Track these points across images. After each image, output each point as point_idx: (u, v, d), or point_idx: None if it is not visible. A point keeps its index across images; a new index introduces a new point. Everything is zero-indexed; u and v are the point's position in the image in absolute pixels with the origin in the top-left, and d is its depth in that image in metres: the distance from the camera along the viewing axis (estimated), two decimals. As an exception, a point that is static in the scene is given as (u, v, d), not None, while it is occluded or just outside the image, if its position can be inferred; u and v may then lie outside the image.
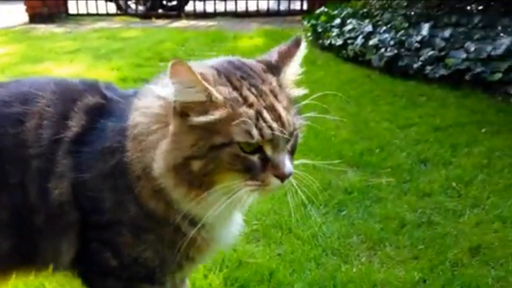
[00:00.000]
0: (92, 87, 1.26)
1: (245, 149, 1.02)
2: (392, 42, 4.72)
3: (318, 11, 6.87)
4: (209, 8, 9.47)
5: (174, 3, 9.92)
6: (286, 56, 1.15)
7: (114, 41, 6.79)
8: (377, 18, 5.45)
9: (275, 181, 1.06)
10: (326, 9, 6.68)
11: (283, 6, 9.41)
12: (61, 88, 1.25)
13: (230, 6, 9.46)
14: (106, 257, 1.19)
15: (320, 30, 6.12)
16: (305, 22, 6.88)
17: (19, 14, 9.20)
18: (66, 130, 1.17)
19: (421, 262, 1.95)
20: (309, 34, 6.45)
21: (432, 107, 3.72)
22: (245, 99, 1.04)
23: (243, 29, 7.80)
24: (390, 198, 2.42)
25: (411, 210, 2.31)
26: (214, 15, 9.32)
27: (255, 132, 1.01)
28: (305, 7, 9.06)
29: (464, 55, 4.12)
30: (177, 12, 9.54)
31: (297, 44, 1.17)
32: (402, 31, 4.77)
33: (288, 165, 1.06)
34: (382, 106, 3.76)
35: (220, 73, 1.07)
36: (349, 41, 5.31)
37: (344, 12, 6.10)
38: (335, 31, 5.68)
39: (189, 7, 9.81)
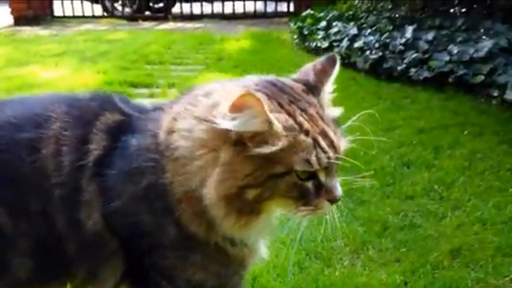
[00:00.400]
0: (107, 103, 1.20)
1: (301, 177, 1.02)
2: (377, 45, 4.77)
3: (304, 14, 6.91)
4: (196, 10, 9.46)
5: (161, 5, 9.90)
6: (323, 75, 1.12)
7: (100, 43, 6.76)
8: (362, 20, 5.51)
9: (327, 205, 1.07)
10: (312, 12, 6.72)
11: (270, 8, 9.43)
12: (74, 108, 1.17)
13: (217, 8, 9.46)
14: (164, 285, 1.15)
15: (306, 32, 6.15)
16: (291, 24, 6.91)
17: (4, 16, 9.11)
18: (88, 155, 1.11)
19: (403, 265, 1.98)
20: (295, 36, 6.49)
21: (416, 109, 3.76)
22: (300, 126, 1.01)
23: (230, 31, 7.82)
24: (373, 201, 2.45)
25: (394, 213, 2.34)
26: (201, 17, 9.31)
27: (314, 160, 1.00)
28: (291, 9, 9.10)
29: (447, 58, 4.17)
30: (164, 14, 9.52)
31: (333, 62, 1.15)
32: (387, 34, 4.83)
33: (339, 188, 1.07)
34: (366, 108, 3.77)
35: (270, 97, 1.03)
36: (334, 44, 5.35)
37: (330, 15, 6.15)
38: (321, 34, 5.72)
39: (176, 9, 9.80)
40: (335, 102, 1.16)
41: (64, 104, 1.18)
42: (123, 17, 9.43)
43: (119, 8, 9.74)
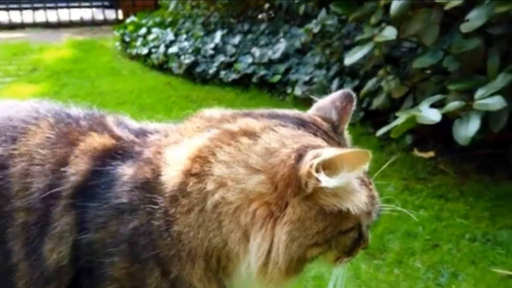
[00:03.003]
0: (98, 123, 1.05)
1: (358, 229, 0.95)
2: (190, 50, 4.93)
3: (128, 21, 6.85)
4: (16, 19, 8.79)
5: (-26, 13, 9.01)
6: (344, 114, 1.05)
7: None
8: (179, 26, 5.64)
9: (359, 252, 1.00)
10: (135, 19, 6.69)
11: (99, 16, 9.16)
12: (62, 123, 1.03)
13: (40, 17, 8.90)
14: None
15: (127, 39, 6.11)
16: (115, 32, 6.80)
17: None
18: (64, 180, 0.95)
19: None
20: (117, 44, 6.41)
21: (221, 110, 3.97)
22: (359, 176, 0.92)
23: (53, 40, 7.41)
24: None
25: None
26: (22, 26, 8.68)
27: (373, 211, 0.94)
28: (121, 16, 8.94)
29: (250, 60, 4.48)
30: (-22, 24, 8.67)
31: (350, 99, 1.08)
32: (200, 39, 5.02)
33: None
34: (174, 111, 3.90)
35: (324, 141, 0.95)
36: (153, 50, 5.40)
37: (150, 22, 6.19)
38: (140, 41, 5.73)
39: (-8, 18, 8.99)
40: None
41: (53, 117, 1.04)
42: None
43: None
